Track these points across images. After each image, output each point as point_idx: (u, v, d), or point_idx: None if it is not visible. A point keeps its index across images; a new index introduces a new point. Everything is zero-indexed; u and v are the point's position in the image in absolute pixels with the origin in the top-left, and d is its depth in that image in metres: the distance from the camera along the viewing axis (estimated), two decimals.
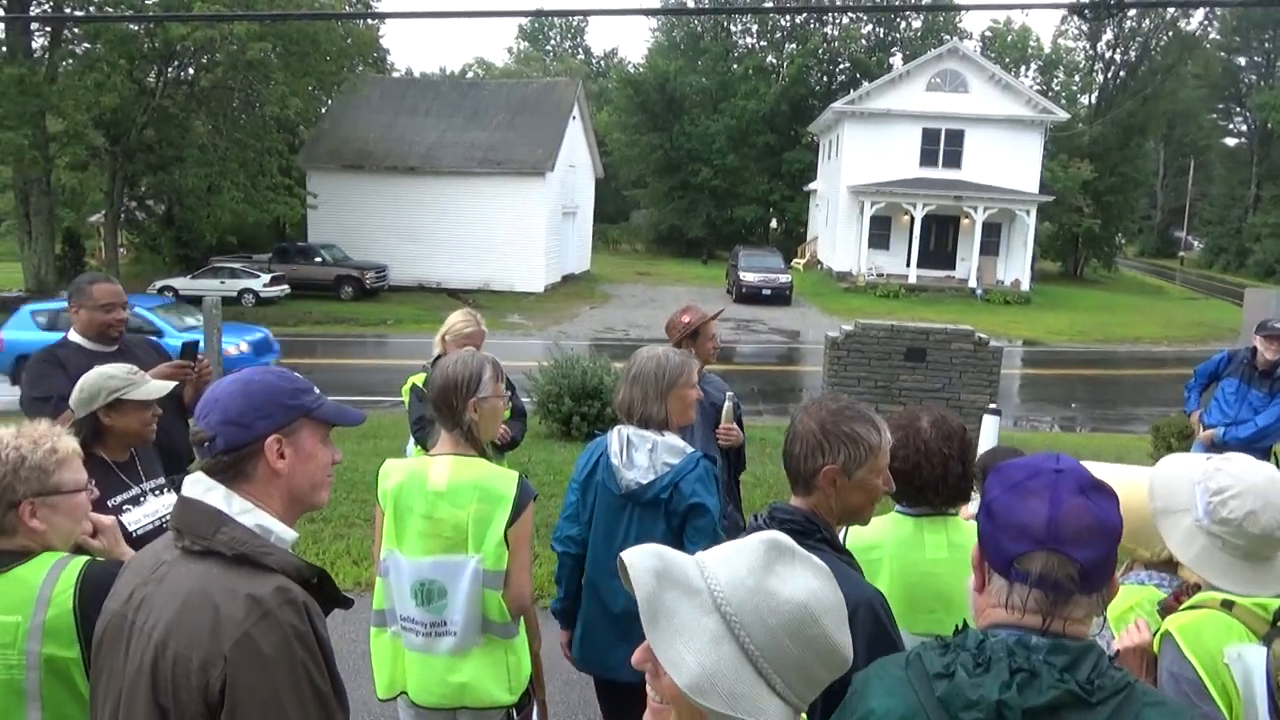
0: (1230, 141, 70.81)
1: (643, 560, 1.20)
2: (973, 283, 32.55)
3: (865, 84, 37.38)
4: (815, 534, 2.05)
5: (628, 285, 32.78)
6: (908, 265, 32.80)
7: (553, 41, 75.91)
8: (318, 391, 1.86)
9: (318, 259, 27.24)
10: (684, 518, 3.08)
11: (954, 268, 34.44)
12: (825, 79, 48.34)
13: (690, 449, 3.19)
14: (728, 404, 4.25)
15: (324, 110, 32.10)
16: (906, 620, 2.39)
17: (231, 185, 24.52)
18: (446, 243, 29.03)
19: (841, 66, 48.46)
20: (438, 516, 2.74)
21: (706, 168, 44.81)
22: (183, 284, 24.61)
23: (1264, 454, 6.53)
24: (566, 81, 35.17)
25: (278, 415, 1.74)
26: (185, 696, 1.52)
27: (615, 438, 3.19)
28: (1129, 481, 2.10)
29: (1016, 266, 33.86)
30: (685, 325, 4.35)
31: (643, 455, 3.14)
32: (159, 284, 24.66)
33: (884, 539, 2.47)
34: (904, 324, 10.34)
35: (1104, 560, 1.35)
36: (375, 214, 29.15)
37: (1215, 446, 6.43)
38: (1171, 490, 2.05)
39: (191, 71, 25.89)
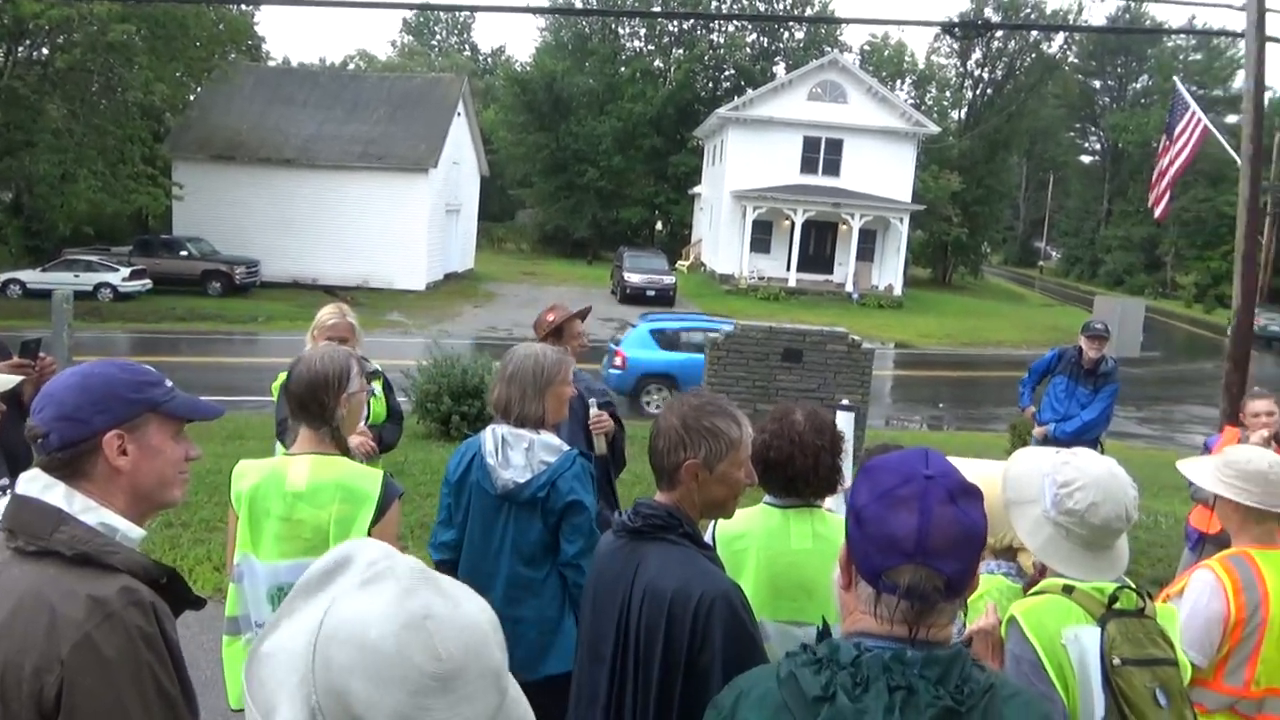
0: (1086, 159, 75.52)
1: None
2: (849, 287, 33.65)
3: (749, 91, 38.12)
4: (677, 528, 2.06)
5: (512, 284, 32.49)
6: (788, 269, 33.64)
7: (438, 37, 74.57)
8: (169, 385, 1.74)
9: (183, 253, 25.94)
10: (560, 516, 3.05)
11: (832, 272, 35.53)
12: (711, 85, 49.08)
13: (567, 447, 3.17)
14: (593, 407, 4.23)
15: (192, 98, 30.58)
16: (770, 609, 2.42)
17: (89, 173, 23.05)
18: (323, 238, 28.09)
19: (727, 73, 49.32)
20: (297, 518, 2.62)
21: (593, 169, 44.85)
22: (31, 277, 23.03)
23: (1091, 445, 6.99)
24: (452, 77, 34.61)
25: (118, 410, 1.63)
26: (16, 707, 1.41)
27: (489, 437, 3.13)
28: (984, 475, 2.20)
29: (890, 272, 35.18)
30: (549, 322, 4.33)
31: (519, 454, 3.09)
32: (3, 277, 23.00)
33: (751, 529, 2.51)
34: (782, 326, 10.57)
35: (969, 569, 1.36)
36: (247, 207, 27.95)
37: (1047, 441, 6.79)
38: (1023, 483, 2.15)
39: (46, 52, 24.25)
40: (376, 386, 4.67)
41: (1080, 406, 6.92)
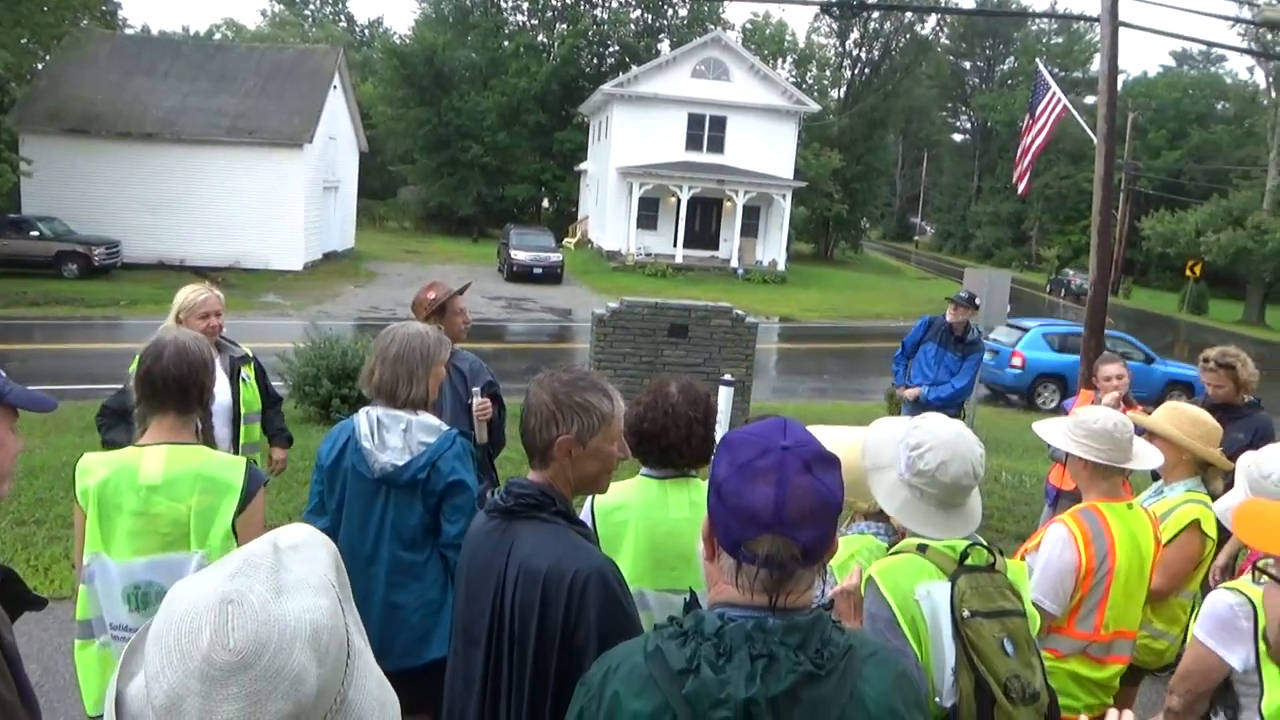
0: (957, 137, 78.69)
1: None
2: (735, 263, 34.18)
3: (634, 68, 38.09)
4: (550, 506, 2.04)
5: (395, 263, 31.68)
6: (674, 245, 33.91)
7: (312, 6, 71.52)
8: (3, 375, 1.62)
9: (34, 233, 24.18)
10: (442, 497, 3.00)
11: (718, 248, 36.00)
12: (596, 61, 48.79)
13: (446, 427, 3.12)
14: (477, 395, 4.16)
15: (40, 67, 28.52)
16: (649, 578, 2.45)
17: None
18: (191, 217, 26.67)
19: (611, 49, 49.08)
20: (153, 512, 2.48)
21: (477, 145, 44.05)
22: None
23: (958, 410, 7.36)
24: (326, 49, 33.28)
25: None
26: None
27: (364, 420, 3.06)
28: (849, 443, 2.28)
29: (774, 248, 35.88)
30: (431, 301, 4.23)
31: (396, 436, 3.03)
32: None
33: (629, 500, 2.52)
34: (667, 301, 10.65)
35: (825, 536, 1.38)
36: (106, 184, 26.26)
37: (919, 405, 7.08)
38: (879, 449, 2.25)
39: None
40: (248, 372, 4.49)
41: (949, 372, 7.22)
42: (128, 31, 39.38)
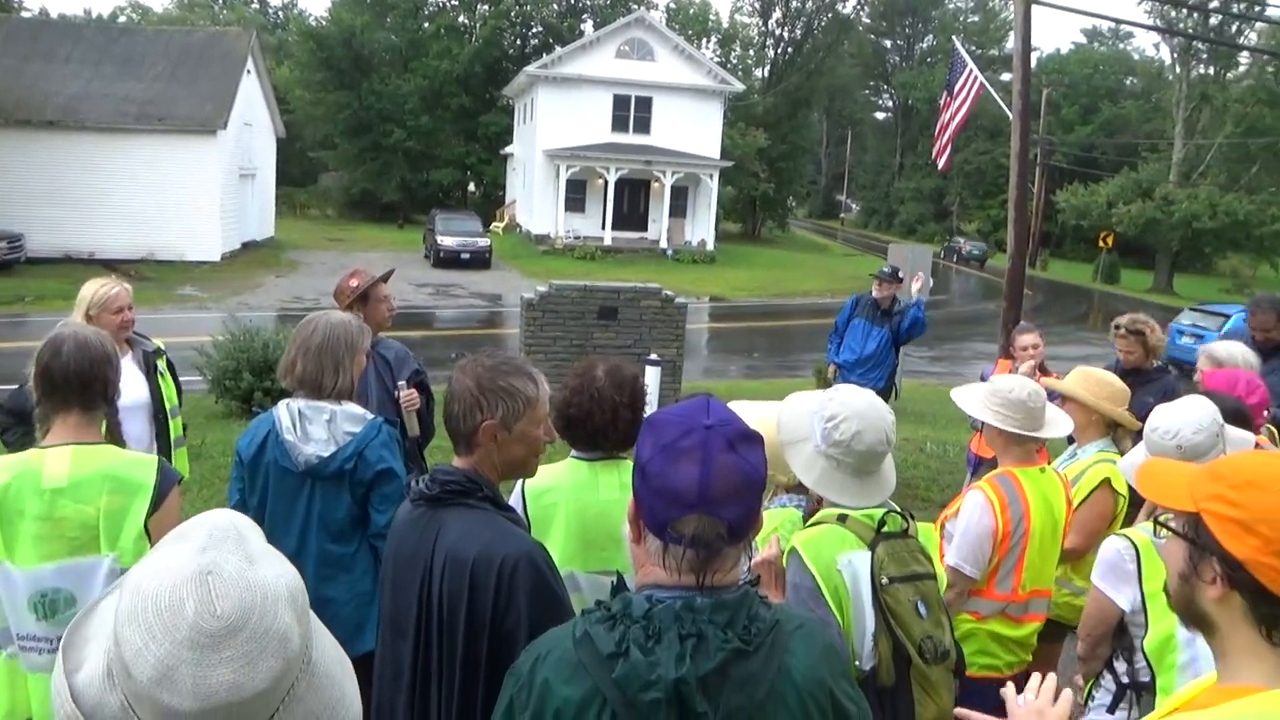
0: (880, 115, 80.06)
1: None
2: (664, 243, 34.27)
3: (558, 49, 37.71)
4: (477, 492, 2.03)
5: (318, 252, 30.94)
6: (603, 227, 33.84)
7: None
8: None
9: None
10: (370, 487, 2.97)
11: (646, 229, 36.02)
12: (519, 42, 48.19)
13: (371, 415, 3.07)
14: (402, 388, 4.09)
15: None
16: (580, 560, 2.46)
17: None
18: (100, 208, 25.59)
19: (534, 30, 48.51)
20: (59, 516, 2.38)
21: (399, 129, 43.15)
22: None
23: (886, 380, 7.46)
24: (239, 31, 32.21)
25: None
26: None
27: (285, 412, 3.00)
28: (767, 418, 2.31)
29: (702, 228, 36.05)
30: (354, 288, 4.14)
31: (319, 427, 2.99)
32: None
33: (559, 483, 2.53)
34: (596, 284, 10.62)
35: (750, 513, 1.39)
36: (4, 175, 25.06)
37: (839, 374, 7.40)
38: (795, 423, 2.30)
39: None
40: (163, 366, 4.37)
41: (877, 345, 7.38)
42: (24, 15, 37.54)
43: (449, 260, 28.43)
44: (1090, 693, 2.61)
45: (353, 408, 3.05)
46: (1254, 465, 1.30)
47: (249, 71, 29.66)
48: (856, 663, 2.13)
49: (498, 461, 2.09)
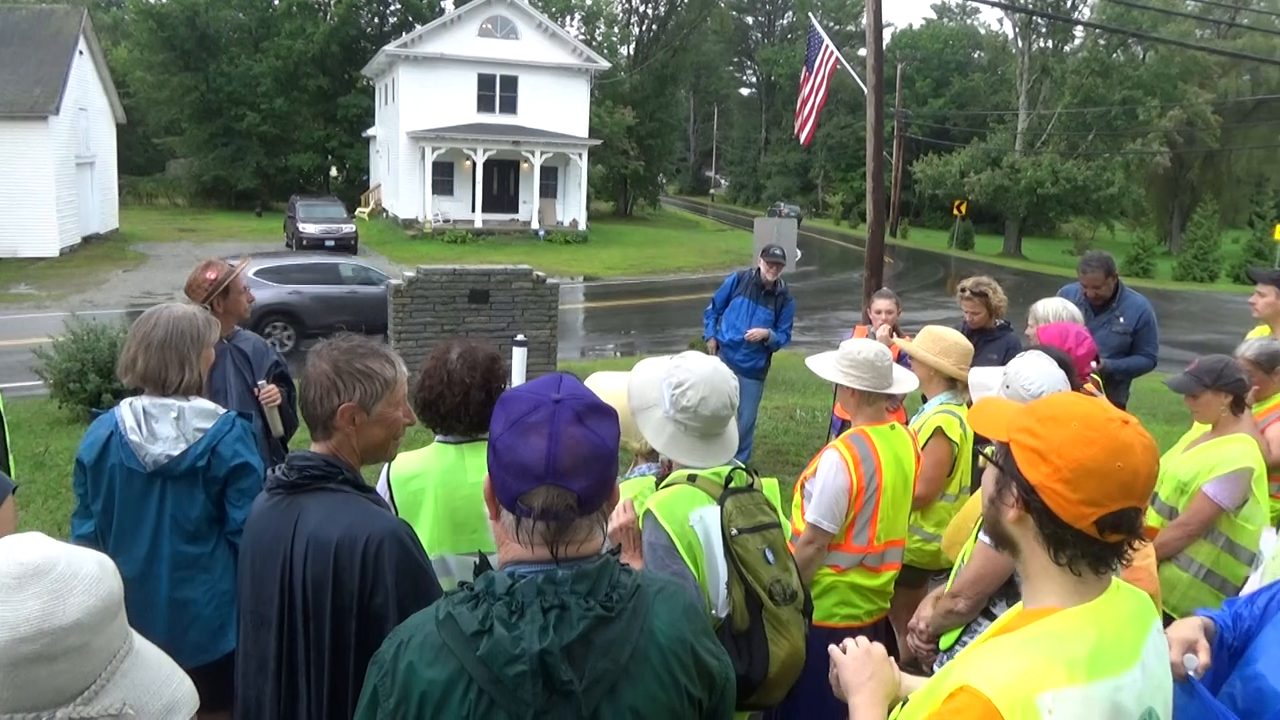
0: (745, 91, 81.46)
1: None
2: (535, 224, 34.03)
3: (418, 27, 36.74)
4: (336, 476, 2.02)
5: (168, 244, 29.33)
6: (473, 210, 33.33)
7: None
8: None
9: None
10: (225, 483, 2.88)
11: (517, 211, 35.68)
12: (377, 20, 46.70)
13: (222, 410, 2.96)
14: (263, 385, 3.93)
15: None
16: (450, 543, 2.45)
17: None
18: None
19: (393, 8, 47.05)
20: None
21: (252, 112, 41.22)
22: None
23: (766, 359, 7.51)
24: (67, 9, 29.98)
25: None
26: None
27: (128, 412, 2.88)
28: (621, 390, 2.37)
29: (574, 207, 35.97)
30: (213, 282, 3.94)
31: (167, 425, 2.87)
32: None
33: (426, 468, 2.50)
34: (466, 267, 10.48)
35: (599, 483, 1.41)
36: None
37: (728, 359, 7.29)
38: (644, 390, 2.37)
39: None
40: None
41: (760, 324, 7.29)
42: None
43: (312, 247, 27.37)
44: (960, 638, 2.71)
45: (202, 403, 2.94)
46: (1059, 403, 1.43)
47: (81, 52, 27.76)
48: (713, 611, 2.23)
49: (357, 445, 2.08)
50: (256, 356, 4.07)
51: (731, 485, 2.30)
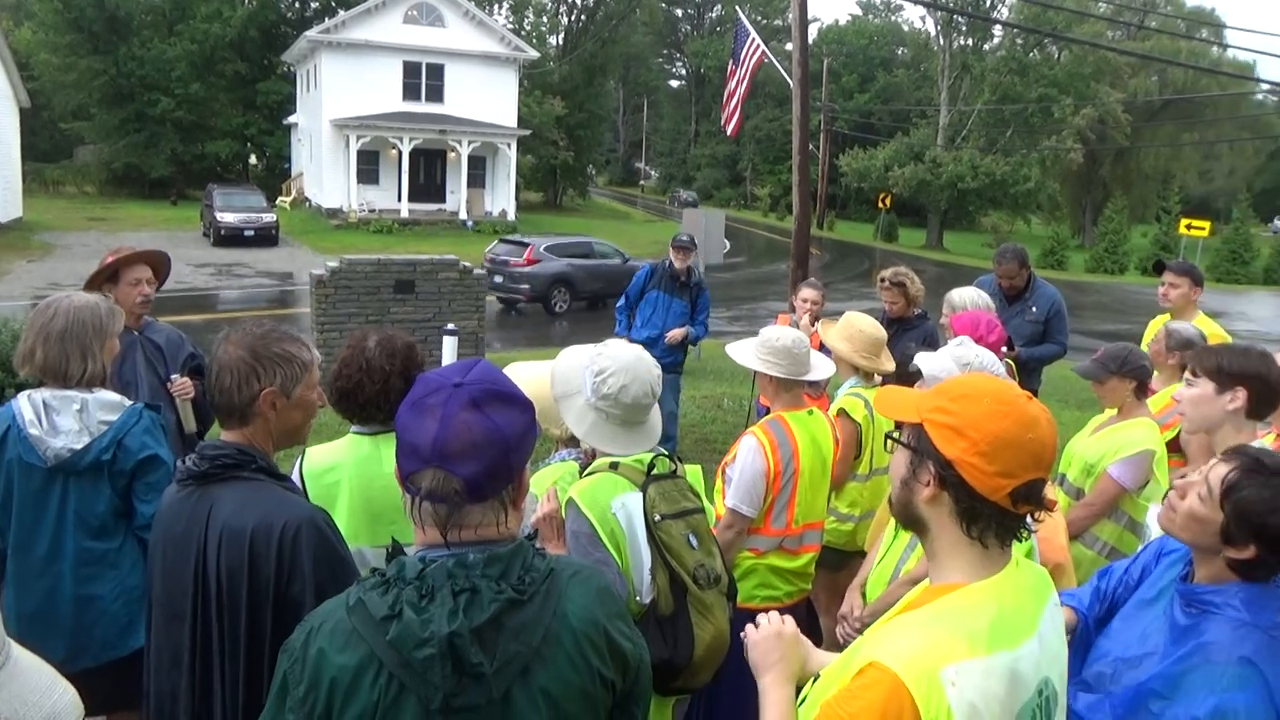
0: (674, 83, 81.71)
1: None
2: (463, 215, 33.64)
3: (341, 13, 35.90)
4: (250, 464, 1.99)
5: (76, 234, 28.16)
6: (399, 199, 32.80)
7: None
8: None
9: None
10: (133, 476, 2.80)
11: (445, 200, 35.21)
12: (297, 5, 45.49)
13: (128, 402, 2.88)
14: (176, 378, 3.79)
15: None
16: (367, 535, 2.42)
17: None
18: None
19: None
20: None
21: (167, 98, 39.74)
22: None
23: (684, 353, 7.33)
24: None
25: None
26: None
27: (26, 405, 2.78)
28: (541, 377, 2.37)
29: (502, 198, 35.64)
30: (106, 266, 3.79)
31: (69, 418, 2.77)
32: None
33: (341, 460, 2.47)
34: (391, 257, 10.33)
35: (490, 471, 1.39)
36: None
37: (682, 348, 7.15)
38: (567, 377, 2.37)
39: None
40: None
41: (676, 317, 7.11)
42: None
43: (231, 238, 26.69)
44: None
45: (107, 395, 2.85)
46: (969, 382, 1.50)
47: None
48: (637, 598, 2.25)
49: (274, 430, 2.06)
50: (170, 348, 3.94)
51: (654, 472, 2.32)
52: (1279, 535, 1.80)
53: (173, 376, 3.80)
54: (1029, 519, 1.44)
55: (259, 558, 1.87)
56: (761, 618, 1.73)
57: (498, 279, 17.82)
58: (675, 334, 7.07)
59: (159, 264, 3.96)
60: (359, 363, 2.44)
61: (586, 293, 18.97)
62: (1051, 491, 1.52)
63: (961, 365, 2.89)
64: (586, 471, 2.37)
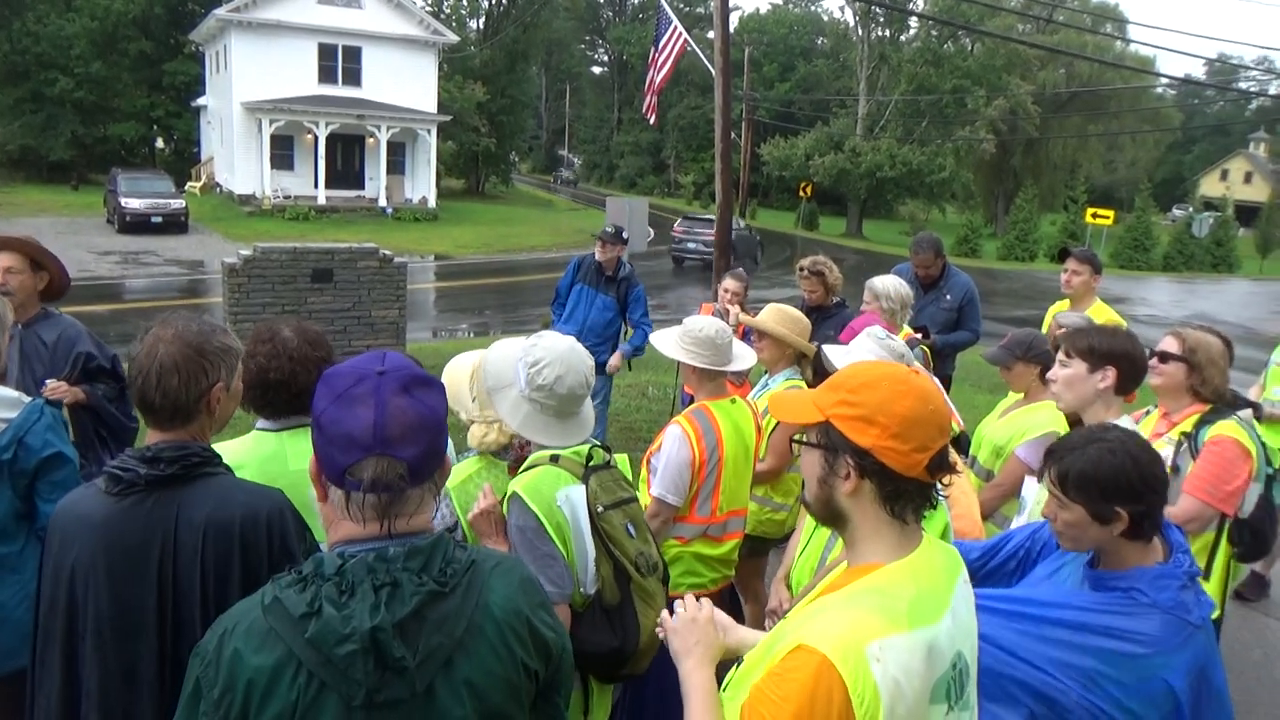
0: (597, 70, 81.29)
1: None
2: (383, 201, 33.02)
3: None
4: (214, 460, 1.95)
5: None
6: (316, 186, 32.00)
7: None
8: None
9: None
10: (35, 476, 2.68)
11: (363, 187, 34.51)
12: None
13: (27, 399, 2.76)
14: (49, 384, 3.52)
15: None
16: None
17: None
18: None
19: None
20: None
21: (65, 77, 37.92)
22: None
23: (606, 349, 6.86)
24: None
25: None
26: None
27: None
28: (462, 364, 2.35)
29: (423, 184, 35.09)
30: None
31: None
32: None
33: (246, 460, 2.38)
34: (307, 246, 10.07)
35: (429, 452, 1.40)
36: None
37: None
38: (499, 369, 2.35)
39: None
40: None
41: (600, 312, 6.84)
42: None
43: (137, 225, 25.68)
44: None
45: (4, 392, 2.74)
46: (862, 371, 1.54)
47: None
48: (581, 589, 2.26)
49: (211, 425, 2.03)
50: (61, 346, 3.68)
51: (592, 463, 2.34)
52: (1115, 483, 1.92)
53: (46, 381, 3.52)
54: (938, 486, 1.49)
55: (250, 545, 1.87)
56: (678, 604, 1.75)
57: (690, 245, 26.11)
58: (614, 362, 6.84)
59: (33, 253, 3.66)
60: (288, 354, 2.38)
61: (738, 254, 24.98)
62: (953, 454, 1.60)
63: (896, 356, 2.98)
64: (524, 465, 2.35)
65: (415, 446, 1.38)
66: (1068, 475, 1.98)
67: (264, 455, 2.39)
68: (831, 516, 1.54)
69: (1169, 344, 3.17)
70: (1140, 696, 1.87)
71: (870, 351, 3.01)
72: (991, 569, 2.37)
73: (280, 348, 2.41)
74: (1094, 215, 36.26)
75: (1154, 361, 3.15)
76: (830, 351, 3.27)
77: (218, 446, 2.35)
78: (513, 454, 2.46)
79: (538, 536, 2.19)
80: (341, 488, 1.38)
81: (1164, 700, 1.88)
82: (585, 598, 2.26)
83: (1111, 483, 1.92)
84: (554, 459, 2.32)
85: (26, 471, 2.67)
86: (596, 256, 6.90)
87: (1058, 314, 4.85)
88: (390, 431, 1.36)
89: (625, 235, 7.04)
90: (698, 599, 1.77)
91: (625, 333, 7.27)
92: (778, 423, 3.77)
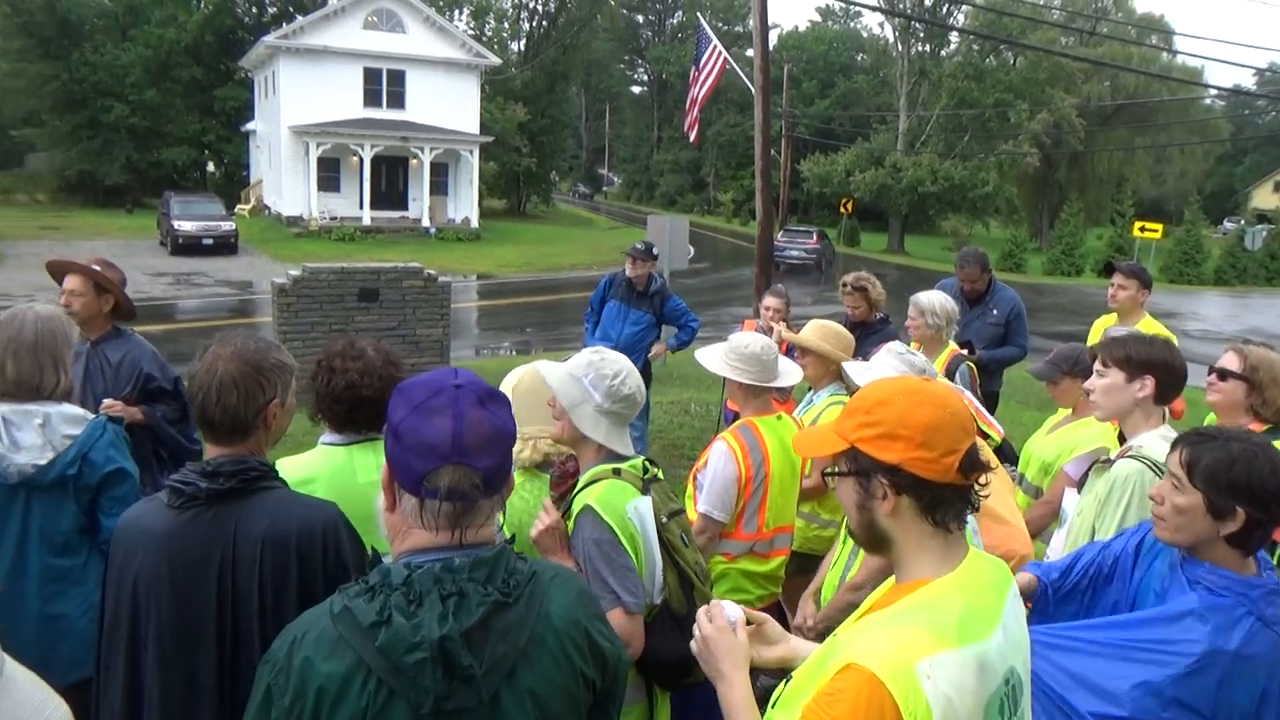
0: (636, 89, 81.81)
1: None
2: (426, 222, 33.46)
3: (299, 18, 35.57)
4: (271, 475, 2.01)
5: (29, 243, 27.55)
6: (361, 207, 32.54)
7: None
8: None
9: None
10: (98, 491, 2.76)
11: (407, 208, 35.01)
12: (255, 10, 44.94)
13: (91, 415, 2.84)
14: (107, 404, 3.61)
15: None
16: None
17: None
18: None
19: None
20: None
21: (121, 104, 39.04)
22: None
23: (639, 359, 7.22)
24: None
25: None
26: None
27: None
28: (510, 383, 2.41)
29: (465, 205, 35.49)
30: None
31: (31, 433, 2.72)
32: None
33: (317, 473, 2.45)
34: (354, 266, 10.25)
35: (502, 466, 1.46)
36: None
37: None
38: (566, 390, 2.38)
39: None
40: None
41: (632, 327, 6.94)
42: None
43: (189, 247, 26.29)
44: None
45: (69, 408, 2.81)
46: (875, 391, 1.54)
47: None
48: (650, 599, 2.28)
49: (267, 439, 2.08)
50: (126, 366, 3.79)
51: (648, 476, 2.38)
52: (1248, 484, 1.91)
53: (106, 400, 3.64)
54: (976, 487, 1.48)
55: (306, 558, 1.92)
56: (701, 615, 1.74)
57: (792, 251, 32.41)
58: (656, 349, 7.17)
59: (97, 278, 3.80)
60: (377, 373, 2.45)
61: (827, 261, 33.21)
62: (986, 450, 1.59)
63: (917, 370, 2.97)
64: (586, 479, 2.36)
65: (490, 458, 1.42)
66: (1198, 462, 1.97)
67: (334, 469, 2.44)
68: (876, 541, 1.53)
69: (1229, 360, 3.06)
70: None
71: (891, 367, 3.00)
72: (1067, 589, 2.36)
73: (369, 366, 2.48)
74: (1142, 229, 35.57)
75: (1212, 378, 3.07)
76: (850, 368, 3.27)
77: (286, 461, 2.42)
78: (555, 468, 2.49)
79: (614, 549, 2.21)
80: (416, 495, 1.41)
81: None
82: (652, 608, 2.29)
83: (1244, 481, 1.92)
84: (616, 472, 2.34)
85: (90, 487, 2.74)
86: (627, 272, 6.99)
87: (1106, 328, 4.77)
88: (468, 442, 1.40)
89: (655, 252, 7.16)
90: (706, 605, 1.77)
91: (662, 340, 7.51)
92: None
